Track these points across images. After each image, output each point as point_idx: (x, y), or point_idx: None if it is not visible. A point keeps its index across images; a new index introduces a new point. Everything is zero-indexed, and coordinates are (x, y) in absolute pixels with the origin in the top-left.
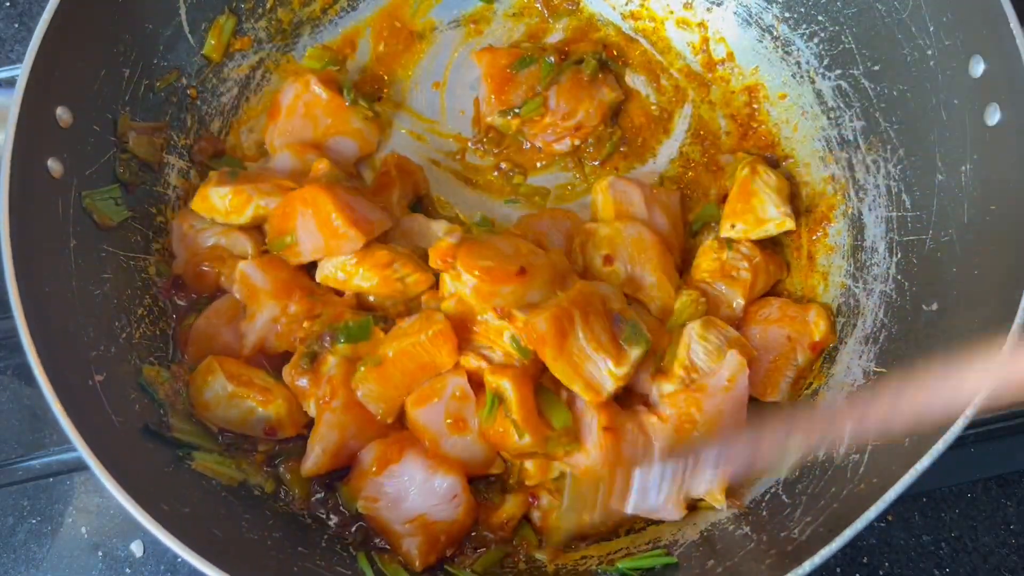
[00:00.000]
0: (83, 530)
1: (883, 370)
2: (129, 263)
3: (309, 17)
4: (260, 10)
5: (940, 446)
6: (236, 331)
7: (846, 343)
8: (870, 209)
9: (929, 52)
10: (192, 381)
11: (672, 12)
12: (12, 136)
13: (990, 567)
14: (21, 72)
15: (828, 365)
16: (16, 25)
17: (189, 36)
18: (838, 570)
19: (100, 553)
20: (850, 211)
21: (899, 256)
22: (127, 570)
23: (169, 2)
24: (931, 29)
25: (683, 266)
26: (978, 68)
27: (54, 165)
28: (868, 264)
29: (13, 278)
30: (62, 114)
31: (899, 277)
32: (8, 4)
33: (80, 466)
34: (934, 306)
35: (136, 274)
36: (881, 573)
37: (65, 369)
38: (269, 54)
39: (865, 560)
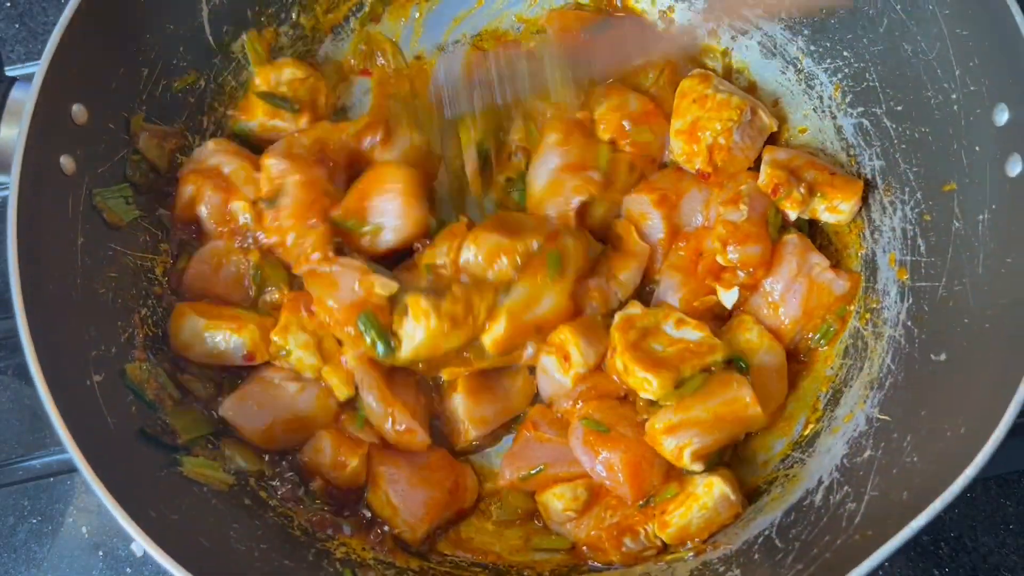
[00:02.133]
0: (83, 530)
1: (887, 417)
2: (136, 263)
3: (332, 24)
4: (283, 15)
5: (938, 504)
6: (225, 277)
7: (851, 386)
8: (884, 251)
9: (954, 96)
10: (171, 329)
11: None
12: (26, 131)
13: (990, 567)
14: (39, 67)
15: (831, 407)
16: (16, 25)
17: (210, 37)
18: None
19: (100, 553)
20: (863, 251)
21: (910, 302)
22: (127, 570)
23: (191, 3)
24: (957, 73)
25: None
26: (1002, 116)
27: (66, 162)
28: (878, 307)
29: (17, 274)
30: (77, 111)
31: (909, 323)
32: (8, 4)
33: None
34: (942, 356)
35: (142, 274)
36: (880, 573)
37: (63, 367)
38: None
39: None
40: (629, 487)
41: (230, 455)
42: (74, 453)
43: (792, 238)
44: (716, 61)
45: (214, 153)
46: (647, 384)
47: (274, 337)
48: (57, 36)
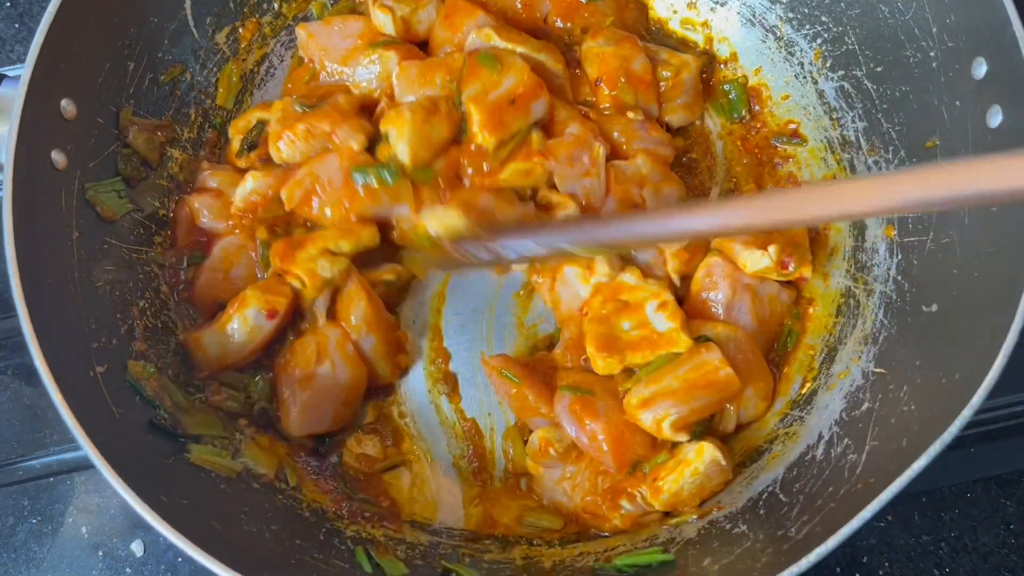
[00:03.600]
0: (83, 530)
1: (883, 371)
2: (131, 255)
3: (316, 12)
4: (265, 5)
5: (937, 446)
6: (236, 276)
7: (846, 344)
8: None
9: (932, 54)
10: (195, 358)
11: (676, 12)
12: (16, 128)
13: (990, 567)
14: (26, 63)
15: (827, 365)
16: (16, 25)
17: (194, 30)
18: (838, 570)
19: (100, 553)
20: None
21: (899, 257)
22: (127, 570)
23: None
24: (934, 31)
25: None
26: (980, 70)
27: (58, 157)
28: (868, 265)
29: (16, 269)
30: (66, 106)
31: (899, 278)
32: (8, 4)
33: (81, 466)
34: (933, 307)
35: (139, 266)
36: (881, 573)
37: (66, 360)
38: (273, 49)
39: (865, 560)
40: (612, 457)
41: (249, 459)
42: (83, 441)
43: (717, 260)
44: (697, 33)
45: (205, 171)
46: (593, 361)
47: (293, 283)
48: (42, 33)
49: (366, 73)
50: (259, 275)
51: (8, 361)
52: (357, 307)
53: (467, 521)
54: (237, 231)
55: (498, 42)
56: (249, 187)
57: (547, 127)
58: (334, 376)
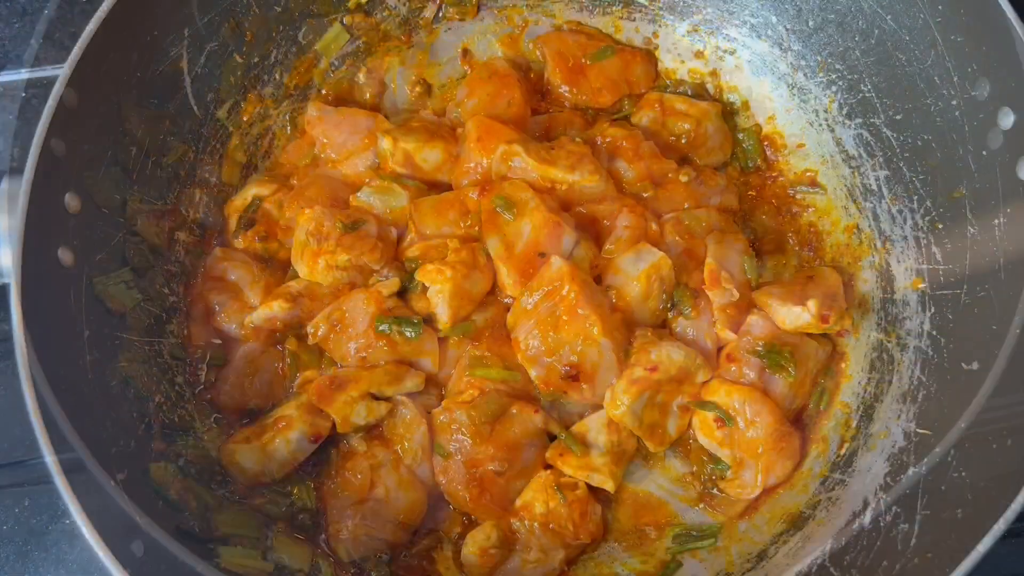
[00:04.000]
0: (83, 530)
1: (926, 431)
2: (144, 348)
3: (318, 80)
4: (266, 77)
5: (1000, 525)
6: (261, 381)
7: (882, 401)
8: (898, 261)
9: (954, 103)
10: (232, 470)
11: (684, 63)
12: (21, 228)
13: (990, 567)
14: (28, 160)
15: (865, 424)
16: (17, 25)
17: (195, 108)
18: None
19: (100, 553)
20: (878, 263)
21: (932, 311)
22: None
23: (173, 79)
24: (955, 79)
25: None
26: (1007, 120)
27: (64, 254)
28: (900, 318)
29: (28, 379)
30: (70, 200)
31: (934, 333)
32: (8, 4)
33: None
34: (975, 365)
35: (152, 359)
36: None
37: (86, 473)
38: (276, 121)
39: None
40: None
41: (282, 555)
42: (104, 557)
43: (755, 319)
44: (707, 82)
45: (219, 260)
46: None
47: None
48: (45, 124)
49: (380, 202)
50: (288, 385)
51: (8, 361)
52: (416, 433)
53: (452, 525)
54: (257, 339)
55: (521, 161)
56: (271, 314)
57: (596, 226)
58: (389, 501)
